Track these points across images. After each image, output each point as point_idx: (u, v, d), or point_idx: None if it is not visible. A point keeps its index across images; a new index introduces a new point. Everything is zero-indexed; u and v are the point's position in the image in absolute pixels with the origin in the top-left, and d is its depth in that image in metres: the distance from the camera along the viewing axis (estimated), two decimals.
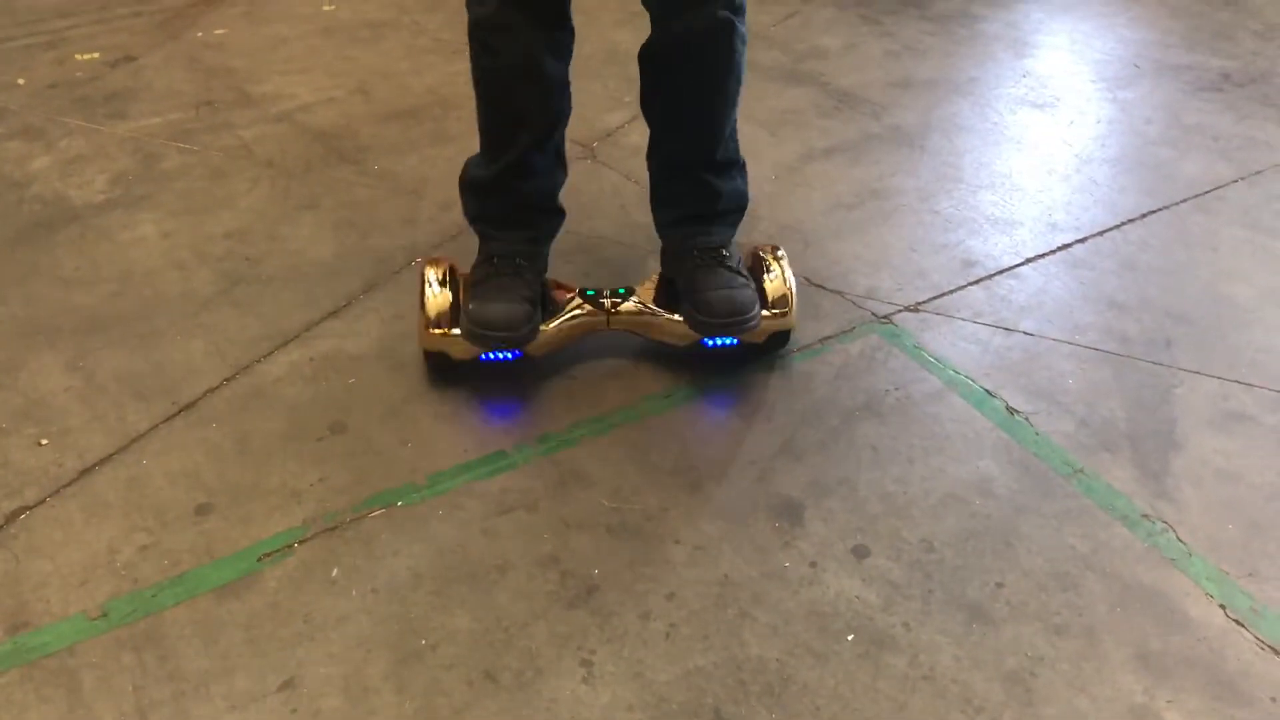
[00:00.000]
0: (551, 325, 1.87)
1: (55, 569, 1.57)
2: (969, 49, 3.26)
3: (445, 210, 2.32)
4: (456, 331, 1.83)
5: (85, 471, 1.73)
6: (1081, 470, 1.78)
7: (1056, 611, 1.55)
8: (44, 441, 1.77)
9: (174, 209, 2.36)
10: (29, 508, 1.66)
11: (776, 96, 2.92)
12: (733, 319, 1.83)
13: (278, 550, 1.61)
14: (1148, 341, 2.07)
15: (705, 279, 1.86)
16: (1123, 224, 2.42)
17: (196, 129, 2.66)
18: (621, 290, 1.92)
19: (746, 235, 2.30)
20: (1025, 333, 2.08)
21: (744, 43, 1.81)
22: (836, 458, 1.79)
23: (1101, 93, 3.02)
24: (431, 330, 1.84)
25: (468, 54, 1.84)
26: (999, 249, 2.32)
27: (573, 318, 1.89)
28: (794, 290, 1.93)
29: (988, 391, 1.93)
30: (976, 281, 2.22)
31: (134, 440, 1.78)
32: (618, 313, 1.90)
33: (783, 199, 2.47)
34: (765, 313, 1.89)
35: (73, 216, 2.33)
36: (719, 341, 1.90)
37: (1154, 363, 2.02)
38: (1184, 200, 2.52)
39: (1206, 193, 2.55)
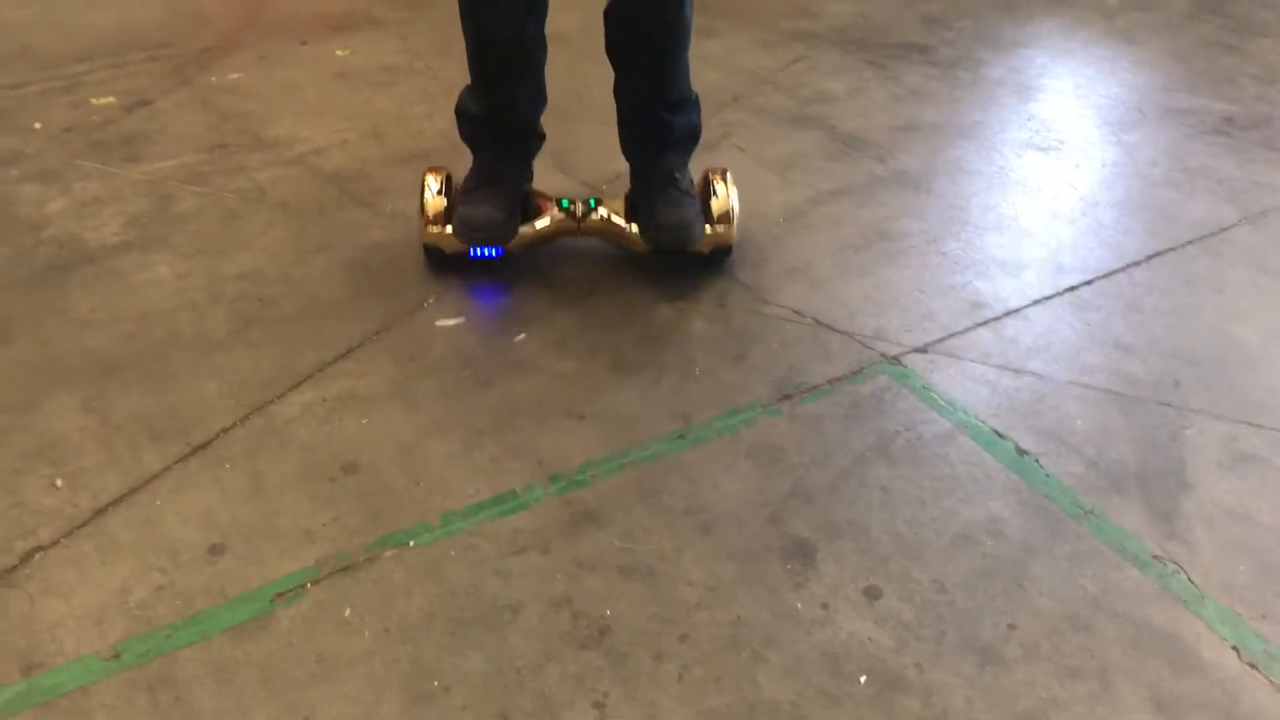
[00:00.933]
0: (532, 227, 2.24)
1: (69, 609, 1.57)
2: (973, 93, 3.30)
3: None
4: (449, 229, 2.20)
5: (99, 511, 1.73)
6: (1092, 511, 1.79)
7: (1069, 654, 1.55)
8: (59, 482, 1.78)
9: (188, 251, 2.38)
10: (44, 548, 1.67)
11: (784, 140, 2.95)
12: (677, 231, 2.19)
13: (291, 590, 1.61)
14: (1155, 383, 2.08)
15: (658, 197, 2.21)
16: (1128, 266, 2.44)
17: (210, 172, 2.69)
18: (593, 202, 2.26)
19: (754, 276, 2.33)
20: (1033, 374, 2.09)
21: (691, 4, 2.11)
22: (847, 499, 1.80)
23: (1106, 136, 3.05)
24: (429, 227, 2.22)
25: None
26: (1006, 290, 2.34)
27: (549, 222, 2.25)
28: (736, 208, 2.25)
29: (997, 433, 1.94)
30: (984, 323, 2.24)
31: (148, 480, 1.79)
32: (587, 220, 2.24)
33: (790, 241, 2.49)
34: (709, 228, 2.23)
35: (88, 258, 2.35)
36: (670, 251, 2.24)
37: (1162, 404, 2.03)
38: (1189, 242, 2.54)
39: (1211, 235, 2.57)
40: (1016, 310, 2.28)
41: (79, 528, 1.71)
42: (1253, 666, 1.54)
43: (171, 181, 2.64)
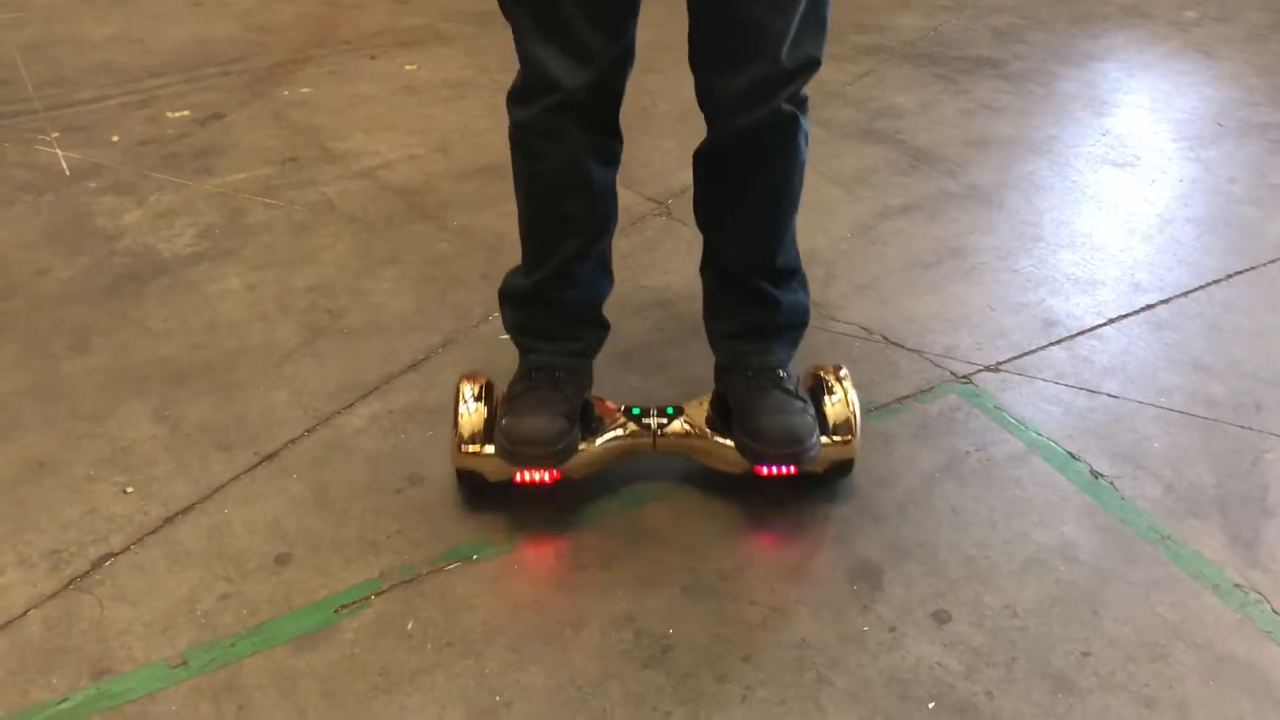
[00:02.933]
0: (592, 444, 1.74)
1: (138, 615, 1.59)
2: (1046, 107, 3.24)
3: None
4: (490, 449, 1.71)
5: (169, 520, 1.75)
6: (1169, 537, 1.74)
7: (1146, 683, 1.50)
8: (130, 489, 1.81)
9: (258, 262, 2.41)
10: (114, 554, 1.69)
11: (852, 155, 2.92)
12: (788, 448, 1.68)
13: (355, 602, 1.61)
14: (1236, 405, 2.02)
15: (759, 402, 1.72)
16: (1208, 284, 2.38)
17: (281, 184, 2.73)
18: (670, 410, 1.79)
19: (822, 292, 2.30)
20: (1109, 394, 2.04)
21: (807, 140, 1.70)
22: (916, 520, 1.76)
23: (1183, 151, 2.98)
24: (464, 448, 1.71)
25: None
26: (1080, 309, 2.29)
27: (615, 438, 1.76)
28: (858, 415, 1.76)
29: (1071, 454, 1.90)
30: (1058, 342, 2.19)
31: (216, 490, 1.81)
32: (664, 434, 1.77)
33: (858, 257, 2.46)
34: (825, 439, 1.72)
35: (161, 269, 2.39)
36: (776, 470, 1.74)
37: (1243, 427, 1.97)
38: (1271, 261, 2.47)
39: None
40: (1091, 329, 2.23)
41: (149, 535, 1.73)
42: None
43: (243, 194, 2.68)
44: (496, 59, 3.44)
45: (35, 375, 2.07)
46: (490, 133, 2.98)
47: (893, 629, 1.58)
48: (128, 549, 1.70)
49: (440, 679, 1.50)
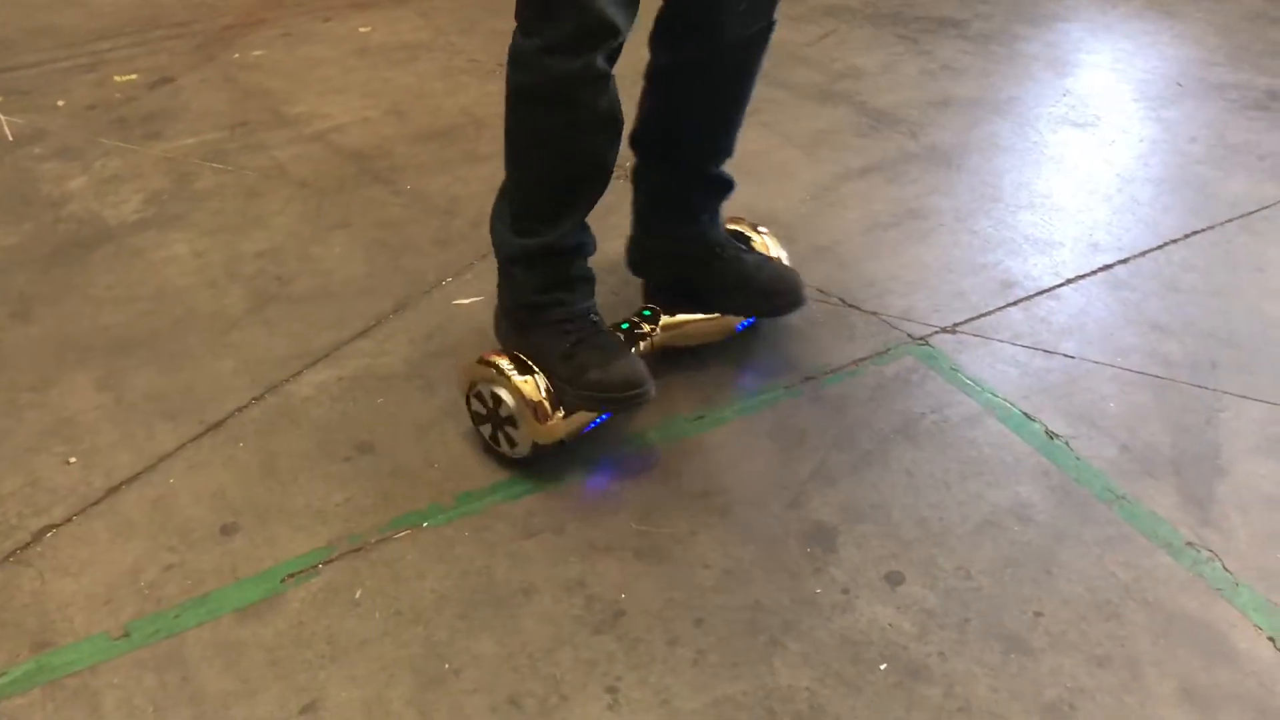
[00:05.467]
0: None
1: (80, 588, 1.56)
2: (1008, 68, 3.22)
3: (476, 229, 2.31)
4: (561, 416, 1.68)
5: (112, 490, 1.72)
6: (1124, 496, 1.73)
7: (1098, 642, 1.50)
8: (72, 460, 1.77)
9: (207, 228, 2.36)
10: (56, 526, 1.66)
11: (812, 116, 2.89)
12: (794, 292, 1.92)
13: (302, 571, 1.59)
14: (1192, 364, 2.02)
15: (746, 268, 1.92)
16: (1166, 244, 2.37)
17: (231, 149, 2.67)
18: (647, 312, 1.90)
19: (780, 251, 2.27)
20: (1065, 355, 2.04)
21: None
22: (870, 482, 1.75)
23: (1144, 111, 2.97)
24: (547, 422, 1.67)
25: (507, 96, 1.64)
26: (1038, 270, 2.28)
27: (637, 350, 1.83)
28: (784, 258, 2.02)
29: (1027, 415, 1.89)
30: (1015, 303, 2.18)
31: (161, 459, 1.78)
32: (660, 333, 1.87)
33: (818, 219, 2.44)
34: None
35: (107, 236, 2.34)
36: (747, 322, 2.01)
37: (1198, 386, 1.97)
38: (1229, 220, 2.46)
39: (1252, 212, 2.49)
40: (1049, 290, 2.22)
41: (91, 506, 1.69)
42: None
43: (192, 159, 2.63)
44: (452, 20, 3.38)
45: None
46: (445, 95, 2.93)
47: (846, 591, 1.57)
48: (70, 520, 1.67)
49: (388, 647, 1.48)
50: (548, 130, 1.63)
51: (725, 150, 1.92)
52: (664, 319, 1.90)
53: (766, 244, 2.04)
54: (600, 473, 1.78)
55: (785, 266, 1.98)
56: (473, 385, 1.73)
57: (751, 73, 1.83)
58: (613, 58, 1.58)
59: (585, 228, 1.77)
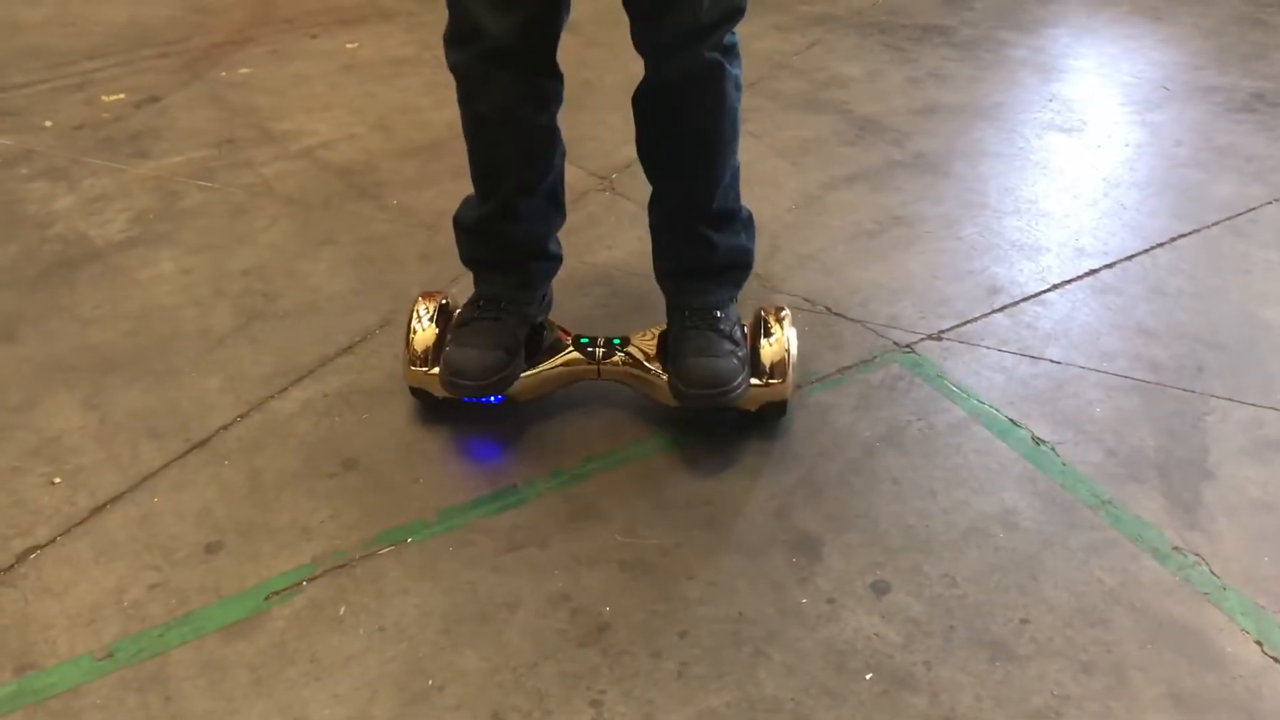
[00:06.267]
0: (538, 370, 1.83)
1: (63, 609, 1.56)
2: (994, 74, 3.23)
3: None
4: (437, 371, 1.79)
5: (97, 510, 1.72)
6: (1110, 501, 1.73)
7: (1084, 648, 1.50)
8: (57, 480, 1.77)
9: (193, 246, 2.37)
10: (40, 547, 1.65)
11: (798, 125, 2.90)
12: (711, 390, 1.72)
13: (286, 589, 1.59)
14: (1178, 368, 2.02)
15: (691, 342, 1.76)
16: (1152, 248, 2.37)
17: (218, 167, 2.68)
18: (616, 340, 1.85)
19: (766, 264, 2.28)
20: (1051, 361, 2.03)
21: (737, 87, 1.70)
22: (856, 491, 1.75)
23: (1130, 116, 2.97)
24: (414, 367, 1.82)
25: None
26: (1024, 275, 2.28)
27: (562, 364, 1.84)
28: (793, 356, 1.81)
29: (1012, 421, 1.89)
30: (1001, 309, 2.18)
31: (146, 478, 1.77)
32: (606, 364, 1.83)
33: (803, 228, 2.44)
34: (757, 381, 1.78)
35: (94, 255, 2.34)
36: (705, 408, 1.79)
37: (1185, 390, 1.97)
38: (1215, 223, 2.46)
39: (1238, 215, 2.49)
40: (1035, 295, 2.22)
41: (76, 526, 1.69)
42: (1276, 660, 1.48)
43: (179, 177, 2.63)
44: (438, 35, 3.36)
45: None
46: (431, 110, 2.93)
47: (831, 600, 1.57)
48: (54, 541, 1.67)
49: (372, 664, 1.48)
50: (462, 114, 1.75)
51: (690, 208, 1.80)
52: (621, 356, 1.83)
53: (783, 339, 1.82)
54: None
55: (741, 365, 1.75)
56: (412, 307, 1.87)
57: (696, 110, 1.70)
58: (495, 57, 1.61)
59: (521, 215, 1.80)
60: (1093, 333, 2.11)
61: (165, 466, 1.80)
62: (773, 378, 1.79)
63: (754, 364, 1.79)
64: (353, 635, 1.52)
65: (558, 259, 1.92)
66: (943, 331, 2.11)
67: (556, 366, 1.84)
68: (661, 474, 1.78)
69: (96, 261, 2.32)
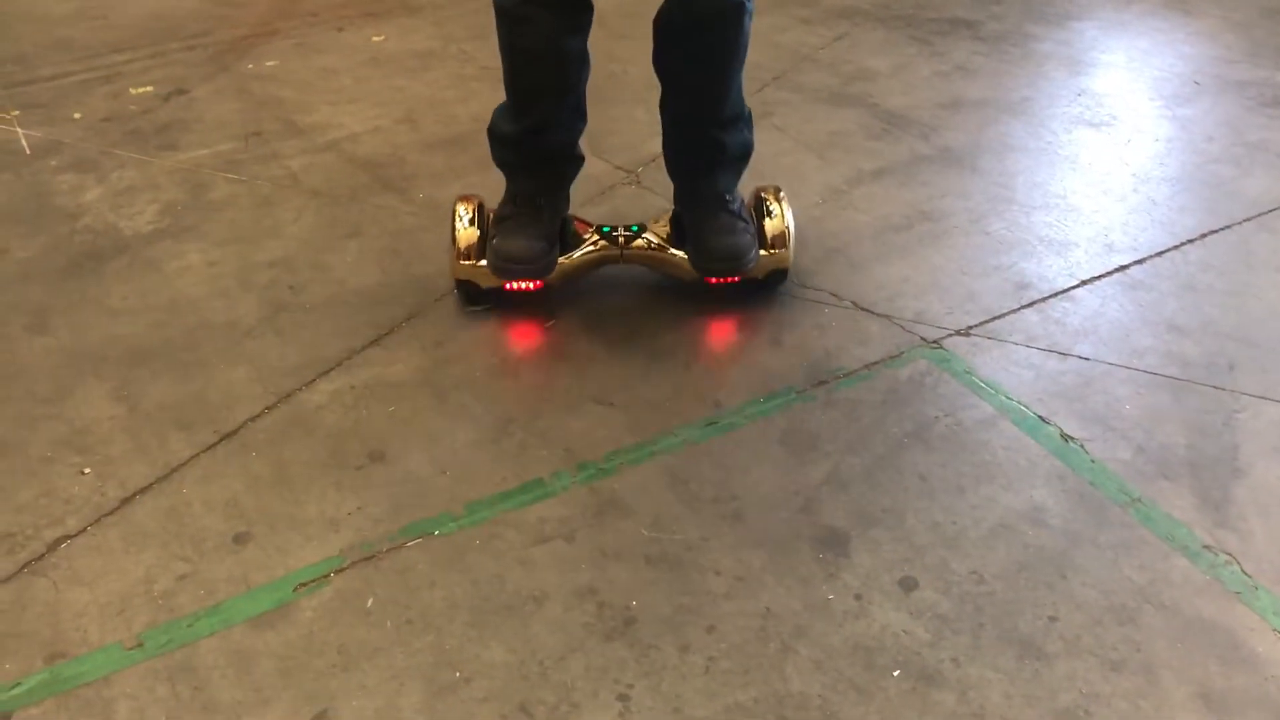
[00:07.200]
0: (570, 258, 2.08)
1: (94, 598, 1.57)
2: (1021, 68, 3.20)
3: None
4: (483, 263, 2.03)
5: (126, 500, 1.73)
6: (1139, 499, 1.72)
7: (1113, 646, 1.49)
8: (87, 470, 1.78)
9: (221, 238, 2.37)
10: (70, 536, 1.67)
11: (824, 119, 2.88)
12: (731, 262, 2.03)
13: (314, 580, 1.59)
14: (1209, 365, 2.00)
15: (708, 223, 2.04)
16: (1182, 244, 2.35)
17: (245, 159, 2.68)
18: (635, 227, 2.11)
19: (793, 258, 2.26)
20: (1080, 357, 2.02)
21: (750, 17, 1.94)
22: (883, 487, 1.74)
23: (1160, 110, 2.95)
24: (461, 261, 2.05)
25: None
26: (1053, 271, 2.26)
27: (589, 251, 2.09)
28: (792, 230, 2.10)
29: (1041, 418, 1.87)
30: (1030, 304, 2.16)
31: (175, 469, 1.78)
32: (630, 248, 2.09)
33: (830, 222, 2.43)
34: (764, 251, 2.07)
35: (122, 247, 2.35)
36: (722, 279, 2.08)
37: (1215, 387, 1.95)
38: (1247, 219, 2.44)
39: (1270, 211, 2.47)
40: (1064, 291, 2.20)
41: (106, 516, 1.70)
42: None
43: (206, 169, 2.64)
44: (464, 29, 3.39)
45: None
46: (457, 103, 2.94)
47: (858, 597, 1.56)
48: (84, 530, 1.68)
49: (399, 656, 1.48)
50: (502, 43, 1.98)
51: (703, 115, 2.03)
52: (643, 239, 2.09)
53: (782, 215, 2.11)
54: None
55: (752, 239, 2.05)
56: (453, 209, 2.10)
57: (717, 43, 1.93)
58: (545, 3, 1.87)
59: (554, 125, 2.04)
60: (1122, 329, 2.09)
61: (194, 457, 1.81)
62: (775, 248, 2.09)
63: (760, 237, 2.08)
64: (380, 627, 1.52)
65: (582, 159, 2.15)
66: (971, 327, 2.10)
67: (586, 254, 2.09)
68: (688, 468, 1.78)
69: (125, 253, 2.33)
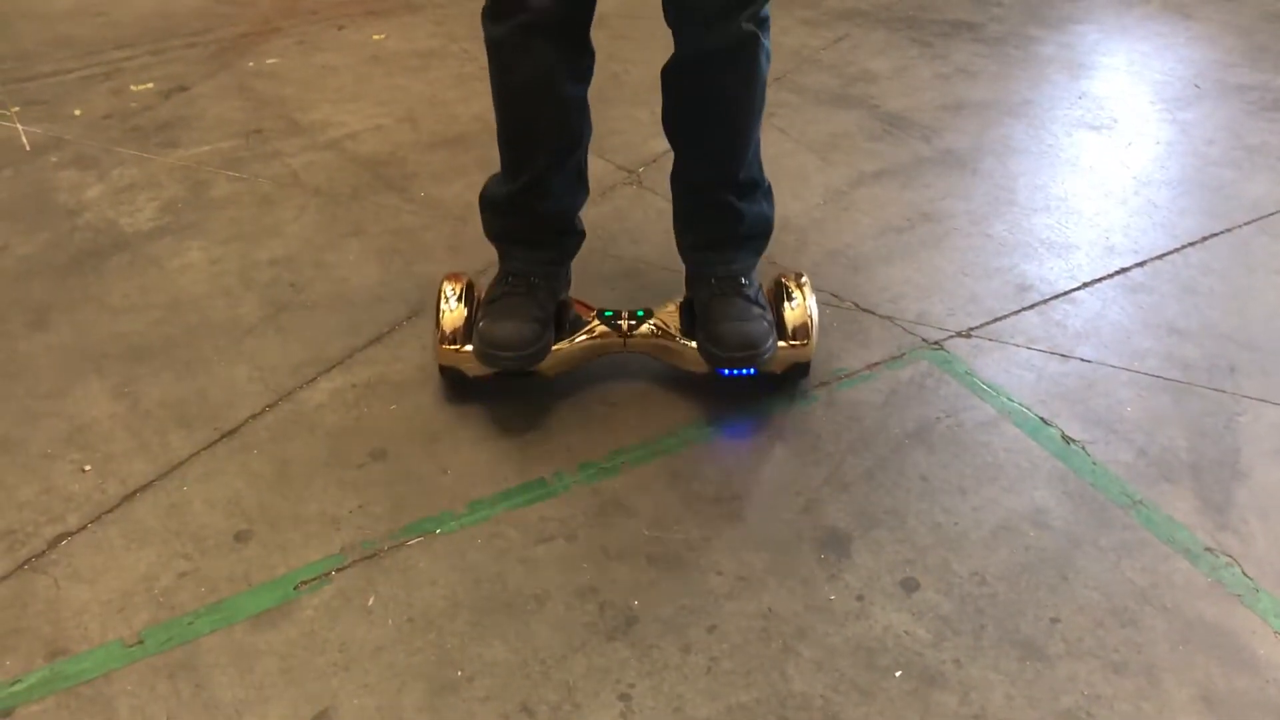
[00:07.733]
0: (567, 344, 1.87)
1: (94, 595, 1.57)
2: (1023, 71, 3.21)
3: None
4: (470, 348, 1.82)
5: (127, 498, 1.72)
6: (1141, 501, 1.72)
7: (1115, 649, 1.49)
8: (87, 467, 1.78)
9: (222, 236, 2.37)
10: (71, 533, 1.66)
11: (826, 120, 2.88)
12: (744, 352, 1.79)
13: (315, 578, 1.59)
14: (1210, 368, 2.00)
15: (720, 309, 1.82)
16: (1183, 247, 2.35)
17: (246, 157, 2.68)
18: (640, 313, 1.90)
19: (794, 259, 2.27)
20: (1082, 359, 2.02)
21: (768, 58, 1.77)
22: (885, 488, 1.74)
23: (1161, 113, 2.95)
24: (445, 346, 1.84)
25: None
26: (1054, 273, 2.26)
27: (589, 338, 1.88)
28: (815, 319, 1.88)
29: (1043, 420, 1.88)
30: (1031, 306, 2.16)
31: (176, 466, 1.78)
32: (634, 335, 1.88)
33: (831, 224, 2.43)
34: (783, 343, 1.84)
35: (123, 244, 2.35)
36: (735, 371, 1.84)
37: (1216, 390, 1.95)
38: (1247, 223, 2.44)
39: (1271, 215, 2.47)
40: (1065, 293, 2.21)
41: (106, 513, 1.70)
42: None
43: (207, 167, 2.64)
44: (465, 28, 3.39)
45: None
46: (458, 102, 2.94)
47: (860, 597, 1.56)
48: (85, 528, 1.67)
49: (401, 654, 1.48)
50: (494, 86, 1.80)
51: (718, 176, 1.85)
52: (648, 326, 1.88)
53: (804, 303, 1.88)
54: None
55: (770, 329, 1.81)
56: (439, 289, 1.88)
57: (730, 82, 1.75)
58: (535, 29, 1.67)
59: (551, 191, 1.84)
60: (1124, 331, 2.10)
61: (195, 455, 1.80)
62: (796, 339, 1.86)
63: (779, 328, 1.85)
64: (381, 626, 1.52)
65: (582, 234, 1.96)
66: (972, 329, 2.10)
67: (585, 341, 1.88)
68: (690, 468, 1.77)
69: (126, 250, 2.33)
